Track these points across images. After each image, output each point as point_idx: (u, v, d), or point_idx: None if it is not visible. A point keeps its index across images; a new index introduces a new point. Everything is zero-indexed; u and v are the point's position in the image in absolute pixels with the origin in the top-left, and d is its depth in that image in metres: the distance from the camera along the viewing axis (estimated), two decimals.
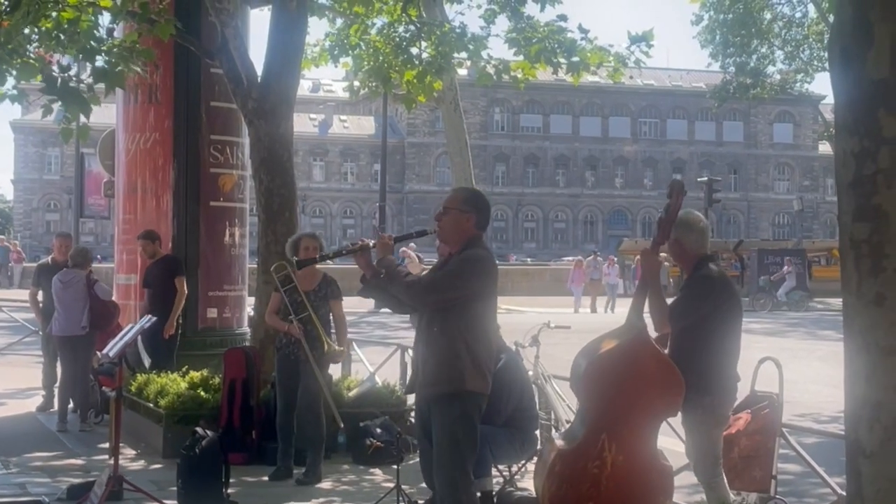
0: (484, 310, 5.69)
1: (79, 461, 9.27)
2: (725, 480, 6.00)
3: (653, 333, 5.93)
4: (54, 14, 9.46)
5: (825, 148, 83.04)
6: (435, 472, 5.79)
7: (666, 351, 5.88)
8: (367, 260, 5.77)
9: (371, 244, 5.85)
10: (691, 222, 5.97)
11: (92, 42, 9.30)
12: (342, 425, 8.67)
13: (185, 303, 11.01)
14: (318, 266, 8.22)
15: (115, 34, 10.59)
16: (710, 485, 5.92)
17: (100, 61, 9.45)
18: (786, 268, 36.74)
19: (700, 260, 5.95)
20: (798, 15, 42.77)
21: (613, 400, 5.78)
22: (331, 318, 8.55)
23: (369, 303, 32.21)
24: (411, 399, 10.00)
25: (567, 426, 7.10)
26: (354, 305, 29.23)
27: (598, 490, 5.73)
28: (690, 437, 5.97)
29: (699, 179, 44.01)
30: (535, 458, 6.88)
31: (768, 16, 42.52)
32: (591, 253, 39.51)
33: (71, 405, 10.94)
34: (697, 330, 5.79)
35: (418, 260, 22.18)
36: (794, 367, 13.95)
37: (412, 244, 25.09)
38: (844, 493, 4.19)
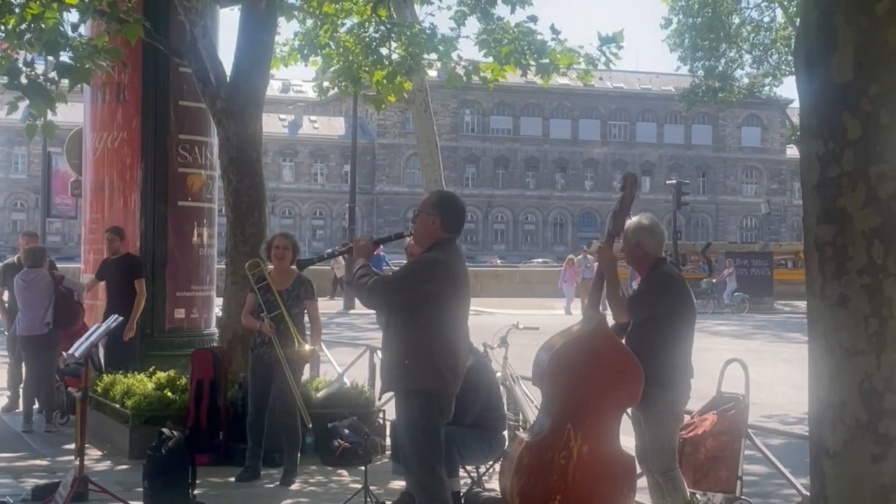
0: (444, 312, 5.65)
1: (44, 462, 9.20)
2: (681, 474, 6.09)
3: (611, 323, 6.14)
4: (17, 10, 9.35)
5: (793, 152, 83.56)
6: (405, 475, 5.78)
7: (623, 341, 6.07)
8: None
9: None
10: (652, 227, 6.22)
11: (57, 38, 9.20)
12: (310, 425, 8.65)
13: (150, 303, 10.94)
14: (292, 267, 8.41)
15: (82, 31, 10.47)
16: (668, 476, 6.03)
17: (64, 57, 9.35)
18: (726, 270, 35.70)
19: (657, 262, 6.19)
20: (766, 19, 43.04)
21: (576, 389, 5.92)
22: (305, 319, 8.54)
23: (339, 304, 32.22)
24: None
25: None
26: (324, 307, 29.24)
27: (566, 482, 5.83)
28: (650, 432, 6.04)
29: (668, 182, 44.08)
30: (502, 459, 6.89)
31: (737, 20, 42.76)
32: (581, 250, 37.74)
33: (36, 406, 10.85)
34: (656, 324, 5.97)
35: None
36: (760, 368, 14.02)
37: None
38: (809, 494, 4.22)
